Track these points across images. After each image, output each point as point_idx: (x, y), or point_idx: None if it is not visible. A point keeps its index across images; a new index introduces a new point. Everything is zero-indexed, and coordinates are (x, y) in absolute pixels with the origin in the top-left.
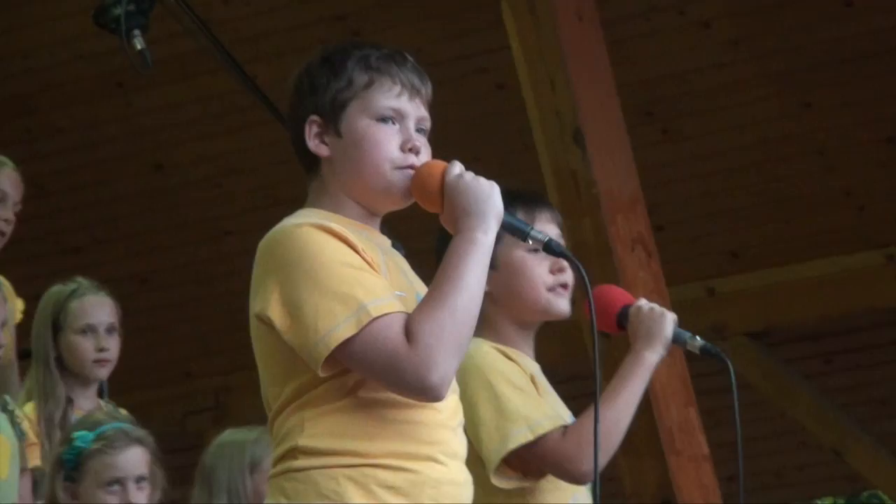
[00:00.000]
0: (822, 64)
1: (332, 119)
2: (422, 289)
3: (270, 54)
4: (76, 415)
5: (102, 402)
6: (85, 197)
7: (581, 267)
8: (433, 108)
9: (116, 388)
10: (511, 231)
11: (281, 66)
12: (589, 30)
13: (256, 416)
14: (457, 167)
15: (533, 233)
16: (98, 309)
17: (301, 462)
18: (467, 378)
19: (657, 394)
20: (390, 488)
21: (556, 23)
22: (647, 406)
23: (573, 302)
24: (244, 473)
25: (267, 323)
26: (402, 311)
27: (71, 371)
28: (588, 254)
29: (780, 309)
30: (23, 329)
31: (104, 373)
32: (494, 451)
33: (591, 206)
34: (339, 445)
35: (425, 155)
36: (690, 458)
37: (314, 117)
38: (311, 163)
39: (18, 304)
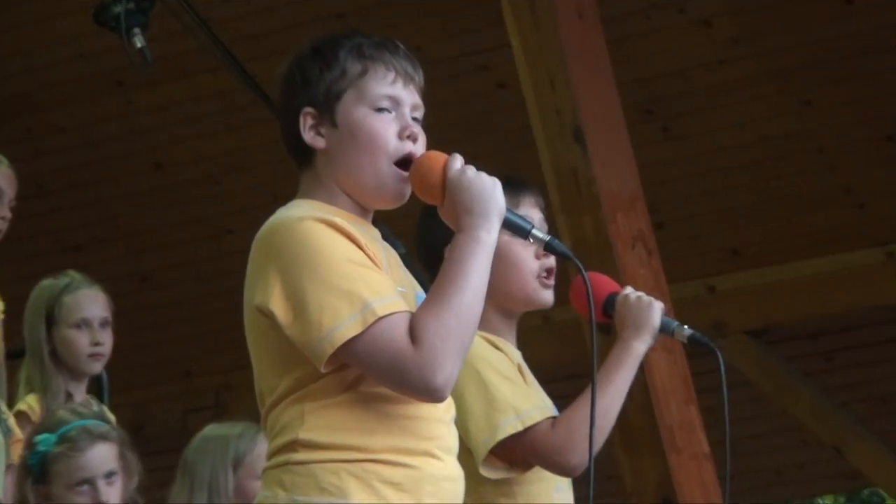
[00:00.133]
0: (822, 62)
1: (328, 110)
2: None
3: (271, 52)
4: None
5: (91, 397)
6: (85, 195)
7: (582, 267)
8: (433, 105)
9: (117, 387)
10: (512, 229)
11: (281, 64)
12: (589, 28)
13: (257, 414)
14: (458, 161)
15: (534, 231)
16: (92, 303)
17: (301, 455)
18: None
19: (658, 392)
20: (392, 484)
21: (556, 21)
22: (647, 404)
23: (556, 288)
24: (227, 469)
25: (268, 316)
26: (407, 311)
27: (65, 365)
28: (588, 251)
29: (781, 306)
30: (6, 330)
31: (98, 367)
32: (483, 442)
33: (592, 203)
34: (340, 440)
35: (421, 142)
36: (691, 456)
37: (308, 109)
38: (305, 155)
39: None
